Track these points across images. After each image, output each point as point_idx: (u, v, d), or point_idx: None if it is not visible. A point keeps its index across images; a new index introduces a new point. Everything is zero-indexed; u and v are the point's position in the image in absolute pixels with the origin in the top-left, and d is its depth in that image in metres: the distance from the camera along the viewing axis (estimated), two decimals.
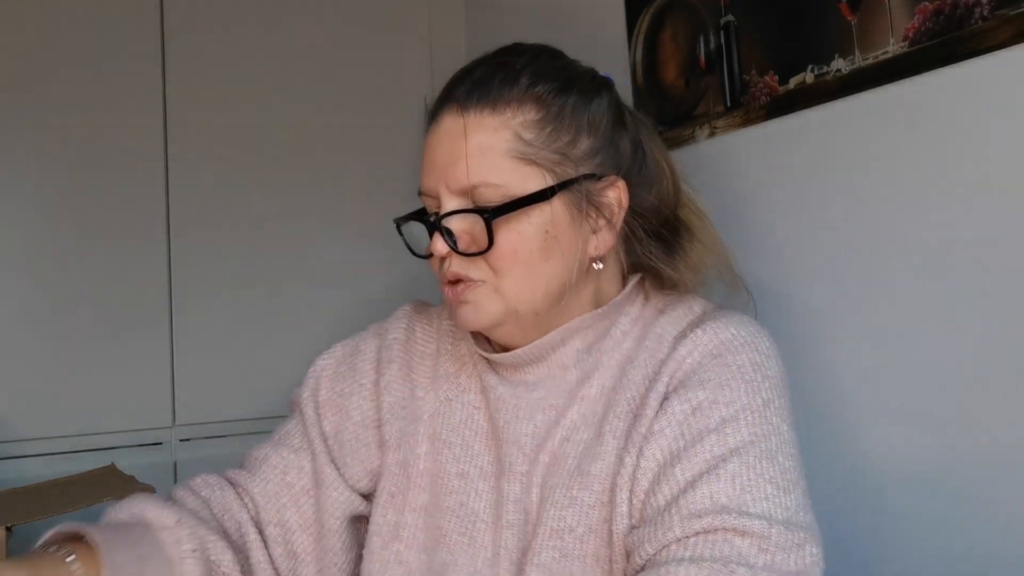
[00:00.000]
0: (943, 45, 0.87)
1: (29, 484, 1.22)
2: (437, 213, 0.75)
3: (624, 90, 1.32)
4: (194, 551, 0.75)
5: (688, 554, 0.62)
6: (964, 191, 0.87)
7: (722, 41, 1.15)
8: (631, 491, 0.70)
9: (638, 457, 0.70)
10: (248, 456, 0.89)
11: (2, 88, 1.51)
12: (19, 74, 1.52)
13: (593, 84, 0.79)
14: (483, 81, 0.74)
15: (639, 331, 0.79)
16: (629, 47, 1.33)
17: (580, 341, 0.78)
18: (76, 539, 0.72)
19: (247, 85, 1.69)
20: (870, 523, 0.98)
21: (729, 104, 1.15)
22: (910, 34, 0.90)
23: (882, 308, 0.96)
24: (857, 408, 0.99)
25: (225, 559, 0.78)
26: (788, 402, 0.73)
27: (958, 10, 0.85)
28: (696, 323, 0.76)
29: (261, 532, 0.84)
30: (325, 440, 0.86)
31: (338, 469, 0.85)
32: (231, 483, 0.86)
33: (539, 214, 0.72)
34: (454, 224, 0.73)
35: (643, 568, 0.65)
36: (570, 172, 0.74)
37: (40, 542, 0.73)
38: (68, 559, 0.68)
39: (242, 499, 0.85)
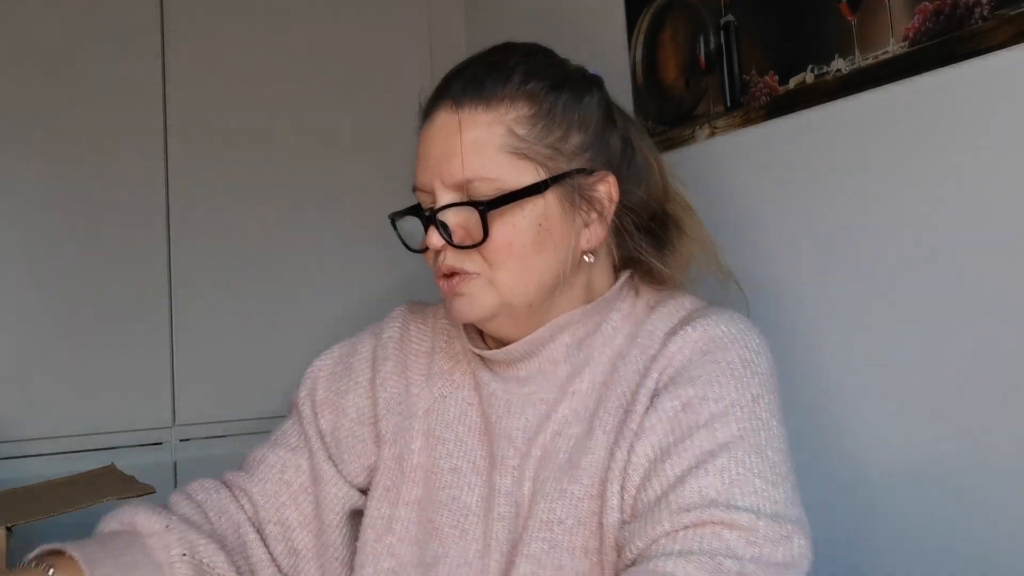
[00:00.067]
0: (943, 45, 0.87)
1: (29, 484, 1.22)
2: (432, 208, 0.76)
3: (624, 90, 1.33)
4: (184, 555, 0.76)
5: (677, 548, 0.63)
6: (964, 191, 0.87)
7: (722, 41, 1.15)
8: (622, 486, 0.71)
9: (629, 453, 0.71)
10: (246, 458, 0.90)
11: (2, 88, 1.51)
12: (19, 74, 1.52)
13: (584, 82, 0.80)
14: (477, 78, 0.76)
15: (631, 327, 0.80)
16: (629, 47, 1.33)
17: (569, 336, 0.79)
18: (60, 554, 0.73)
19: (247, 86, 1.69)
20: (860, 521, 0.98)
21: (729, 104, 1.15)
22: (910, 34, 0.90)
23: (882, 307, 0.96)
24: (855, 407, 0.99)
25: (218, 561, 0.79)
26: (778, 398, 0.74)
27: (958, 10, 0.85)
28: (687, 320, 0.77)
29: (260, 531, 0.85)
30: (322, 437, 0.87)
31: (336, 465, 0.86)
32: (227, 486, 0.87)
33: (532, 207, 0.74)
34: (449, 218, 0.75)
35: (633, 563, 0.66)
36: (562, 166, 0.75)
37: (23, 561, 0.74)
38: (49, 572, 0.70)
39: (239, 500, 0.86)
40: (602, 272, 0.82)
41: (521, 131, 0.74)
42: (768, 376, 0.74)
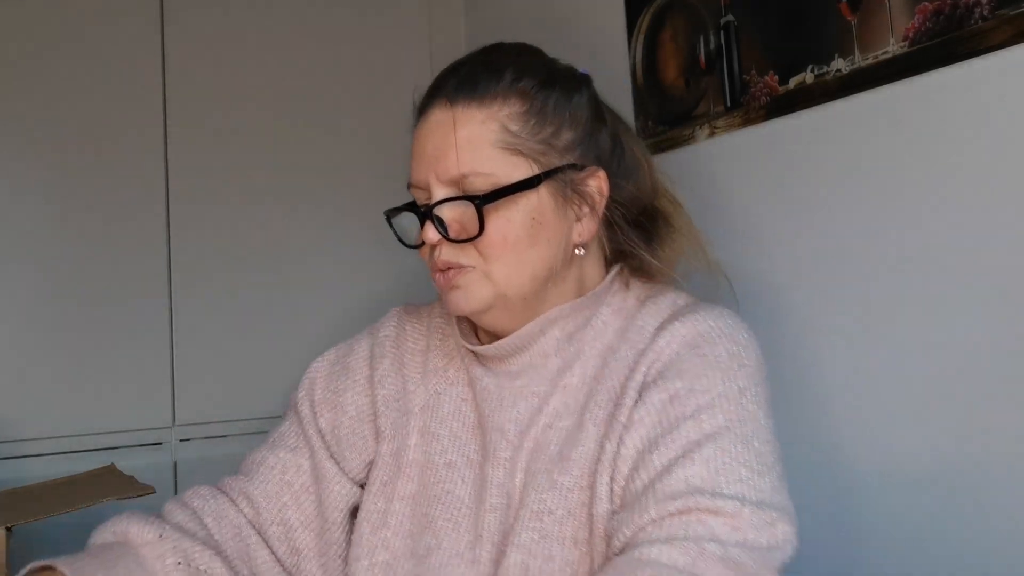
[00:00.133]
0: (943, 45, 0.87)
1: (29, 484, 1.22)
2: (427, 204, 0.78)
3: (624, 90, 1.33)
4: (179, 564, 0.77)
5: (663, 535, 0.64)
6: (964, 191, 0.87)
7: (722, 41, 1.15)
8: (611, 477, 0.72)
9: (618, 445, 0.72)
10: (244, 462, 0.90)
11: (2, 89, 1.51)
12: (19, 75, 1.52)
13: (573, 80, 0.82)
14: (471, 77, 0.78)
15: (621, 322, 0.81)
16: (629, 47, 1.33)
17: (560, 330, 0.80)
18: (51, 570, 0.73)
19: (247, 86, 1.69)
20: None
21: (729, 104, 1.15)
22: (910, 34, 0.90)
23: (881, 307, 0.96)
24: (855, 408, 0.99)
25: (215, 567, 0.79)
26: (766, 391, 0.75)
27: (958, 10, 0.85)
28: (676, 315, 0.78)
29: (263, 533, 0.85)
30: (323, 436, 0.88)
31: (338, 463, 0.87)
32: (223, 491, 0.87)
33: (526, 201, 0.76)
34: (445, 212, 0.76)
35: (622, 551, 0.67)
36: (554, 162, 0.77)
37: None
38: None
39: (237, 505, 0.86)
40: (593, 267, 0.84)
41: (514, 127, 0.76)
42: (755, 369, 0.75)
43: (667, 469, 0.68)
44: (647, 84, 1.30)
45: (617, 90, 1.34)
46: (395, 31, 1.83)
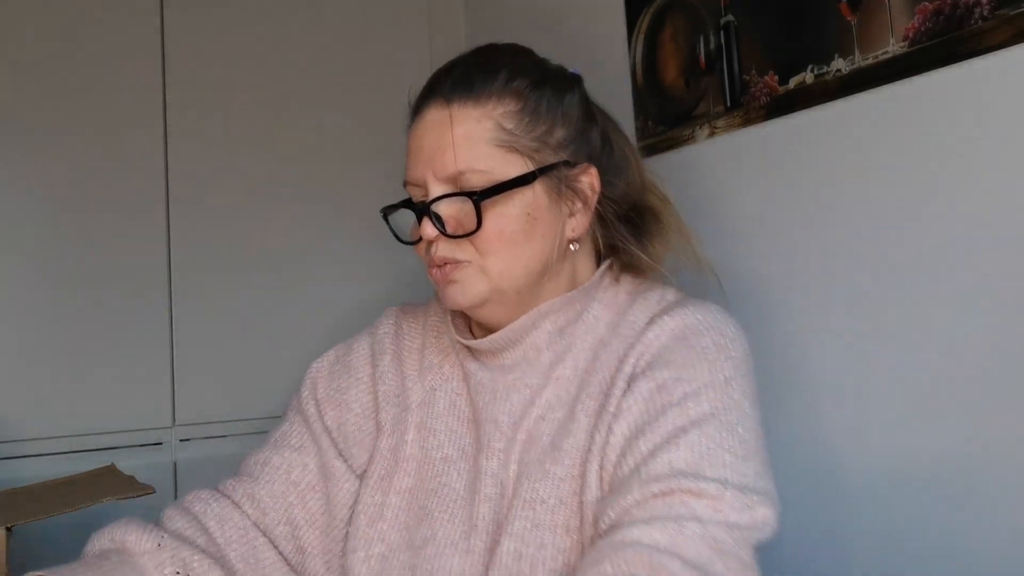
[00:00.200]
0: (943, 45, 0.87)
1: (29, 484, 1.22)
2: (423, 201, 0.79)
3: (624, 90, 1.33)
4: (177, 573, 0.77)
5: (645, 515, 0.65)
6: (964, 191, 0.87)
7: (722, 41, 1.15)
8: (600, 464, 0.74)
9: (607, 434, 0.74)
10: (245, 464, 0.90)
11: (2, 88, 1.51)
12: (19, 74, 1.52)
13: (564, 80, 0.84)
14: (466, 76, 0.79)
15: (612, 316, 0.83)
16: (629, 47, 1.33)
17: (551, 324, 0.82)
18: None
19: (247, 86, 1.69)
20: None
21: (729, 104, 1.15)
22: (910, 34, 0.90)
23: (881, 307, 0.96)
24: (853, 410, 0.99)
25: (213, 575, 0.79)
26: (752, 383, 0.76)
27: (958, 10, 0.85)
28: (666, 310, 0.80)
29: (268, 533, 0.85)
30: (329, 434, 0.89)
31: (345, 461, 0.88)
32: (225, 494, 0.87)
33: (522, 197, 0.77)
34: (442, 209, 0.78)
35: (607, 533, 0.68)
36: (548, 159, 0.79)
37: None
38: None
39: (241, 507, 0.86)
40: (585, 262, 0.86)
41: (509, 125, 0.77)
42: (742, 361, 0.76)
43: (652, 454, 0.69)
44: (647, 84, 1.30)
45: (617, 90, 1.34)
46: (395, 31, 1.83)
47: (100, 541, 0.79)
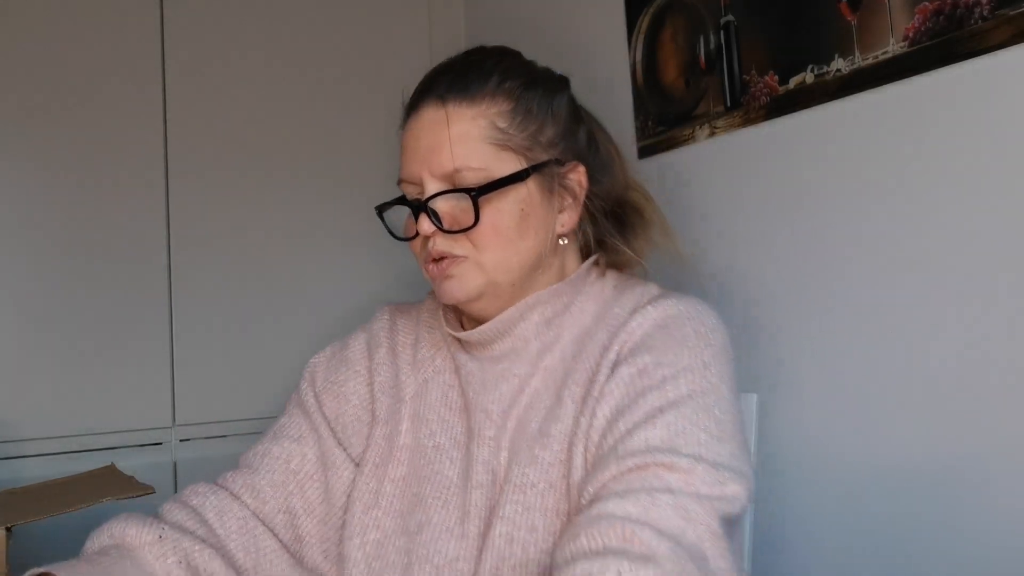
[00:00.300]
0: (943, 45, 0.87)
1: (29, 484, 1.22)
2: (419, 198, 0.81)
3: (624, 90, 1.33)
4: (179, 563, 0.78)
5: (621, 488, 0.67)
6: (963, 191, 0.87)
7: (722, 41, 1.15)
8: (585, 447, 0.76)
9: (591, 417, 0.76)
10: (244, 457, 0.91)
11: (2, 90, 1.51)
12: (18, 75, 1.52)
13: (553, 82, 0.87)
14: (460, 77, 0.82)
15: (598, 308, 0.85)
16: (629, 47, 1.33)
17: (539, 315, 0.85)
18: None
19: (247, 87, 1.69)
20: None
21: (729, 104, 1.15)
22: (910, 34, 0.90)
23: (881, 307, 0.96)
24: (856, 410, 0.99)
25: (215, 566, 0.80)
26: (731, 370, 0.78)
27: (958, 10, 0.85)
28: (650, 301, 0.82)
29: (268, 523, 0.87)
30: (329, 424, 0.91)
31: (345, 450, 0.90)
32: (223, 486, 0.88)
33: (516, 194, 0.80)
34: (439, 205, 0.80)
35: (585, 508, 0.69)
36: (540, 156, 0.82)
37: None
38: None
39: (240, 498, 0.87)
40: (573, 254, 0.89)
41: (502, 124, 0.80)
42: (721, 349, 0.78)
43: (630, 432, 0.71)
44: (647, 84, 1.30)
45: (617, 90, 1.34)
46: (395, 31, 1.83)
47: (99, 538, 0.79)
